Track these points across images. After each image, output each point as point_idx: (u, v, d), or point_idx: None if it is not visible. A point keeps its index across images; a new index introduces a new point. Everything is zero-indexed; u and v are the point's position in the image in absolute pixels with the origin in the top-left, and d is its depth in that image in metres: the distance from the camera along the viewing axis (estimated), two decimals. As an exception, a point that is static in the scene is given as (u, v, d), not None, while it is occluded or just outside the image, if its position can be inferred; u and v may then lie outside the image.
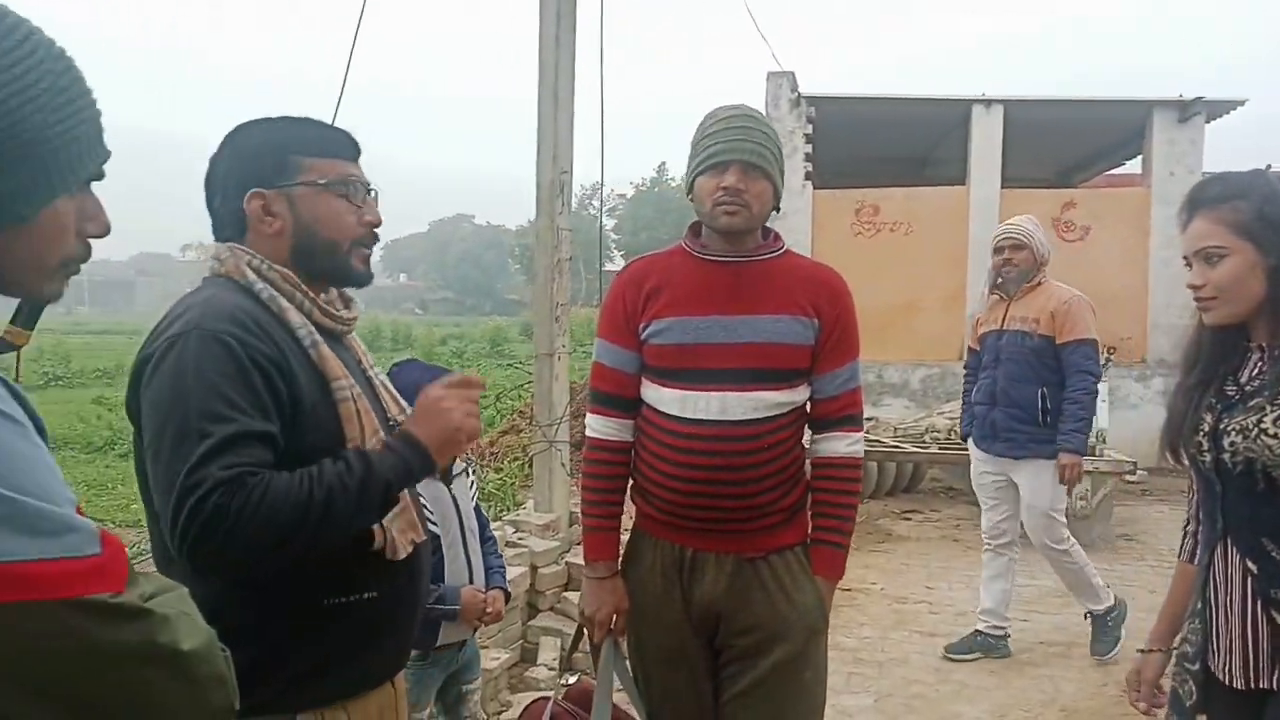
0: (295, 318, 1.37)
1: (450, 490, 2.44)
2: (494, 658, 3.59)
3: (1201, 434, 1.69)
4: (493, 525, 4.36)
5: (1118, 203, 9.14)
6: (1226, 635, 1.67)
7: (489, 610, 2.40)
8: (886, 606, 4.86)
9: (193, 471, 1.18)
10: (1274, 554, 1.59)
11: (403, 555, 1.41)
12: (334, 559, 1.34)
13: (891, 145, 11.14)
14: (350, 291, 1.58)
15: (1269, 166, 8.57)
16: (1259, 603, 1.61)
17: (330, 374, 1.36)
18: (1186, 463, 1.75)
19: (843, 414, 2.06)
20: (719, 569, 1.99)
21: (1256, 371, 1.66)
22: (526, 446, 6.09)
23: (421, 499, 2.07)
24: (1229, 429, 1.63)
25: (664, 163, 52.88)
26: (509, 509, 5.16)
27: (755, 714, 1.98)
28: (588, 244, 19.88)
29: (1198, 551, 1.80)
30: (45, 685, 0.72)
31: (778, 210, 2.04)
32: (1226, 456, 1.62)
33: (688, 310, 1.98)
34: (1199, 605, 1.74)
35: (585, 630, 2.11)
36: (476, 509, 2.61)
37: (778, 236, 2.09)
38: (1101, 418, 6.63)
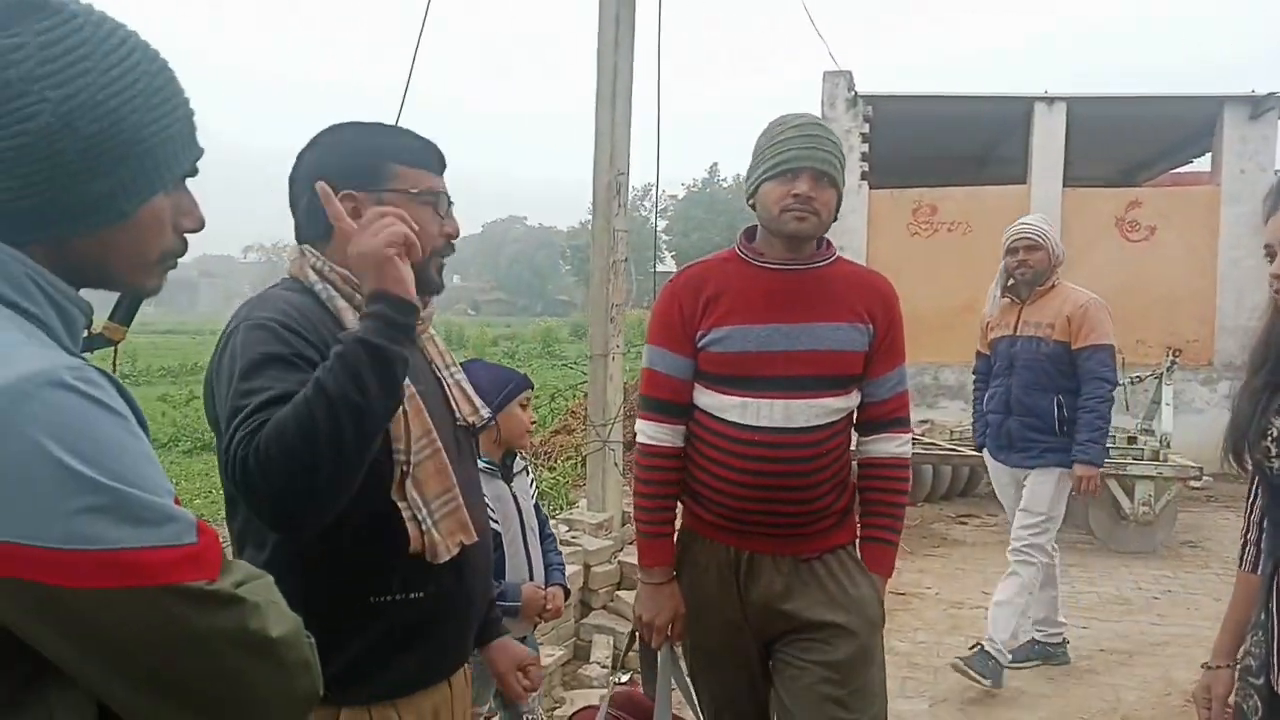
0: (350, 317, 1.37)
1: (511, 488, 2.48)
2: (549, 654, 3.62)
3: (1270, 439, 1.60)
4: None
5: (1186, 202, 8.90)
6: None
7: (548, 607, 2.42)
8: (941, 611, 4.80)
9: (231, 438, 1.18)
10: None
11: (445, 558, 1.39)
12: (378, 558, 1.35)
13: (950, 144, 10.99)
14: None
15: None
16: None
17: None
18: (1250, 468, 1.68)
19: (893, 416, 2.11)
20: (776, 569, 2.02)
21: None
22: (579, 446, 6.13)
23: (485, 497, 2.12)
24: None
25: (715, 163, 52.93)
26: (562, 508, 5.21)
27: (821, 699, 1.97)
28: (640, 245, 19.93)
29: (1260, 560, 1.74)
30: (147, 669, 0.75)
31: (836, 218, 2.06)
32: None
33: (749, 319, 1.99)
34: (1262, 617, 1.67)
35: (640, 635, 2.12)
36: (536, 507, 2.64)
37: (830, 244, 2.12)
38: (1166, 422, 6.48)
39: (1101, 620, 4.64)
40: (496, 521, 2.35)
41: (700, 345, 2.03)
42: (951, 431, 7.56)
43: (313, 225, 1.45)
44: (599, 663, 3.87)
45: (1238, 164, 8.52)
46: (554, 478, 6.23)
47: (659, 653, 2.10)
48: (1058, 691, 3.81)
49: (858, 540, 2.12)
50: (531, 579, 2.46)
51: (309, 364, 1.24)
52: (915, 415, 8.49)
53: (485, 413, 1.62)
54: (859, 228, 9.34)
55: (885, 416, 2.10)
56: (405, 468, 1.36)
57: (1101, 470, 3.80)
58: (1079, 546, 6.08)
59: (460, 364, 2.54)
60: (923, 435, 7.44)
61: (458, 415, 1.54)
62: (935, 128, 10.27)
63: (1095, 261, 8.70)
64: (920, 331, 9.44)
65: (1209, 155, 9.39)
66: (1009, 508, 4.05)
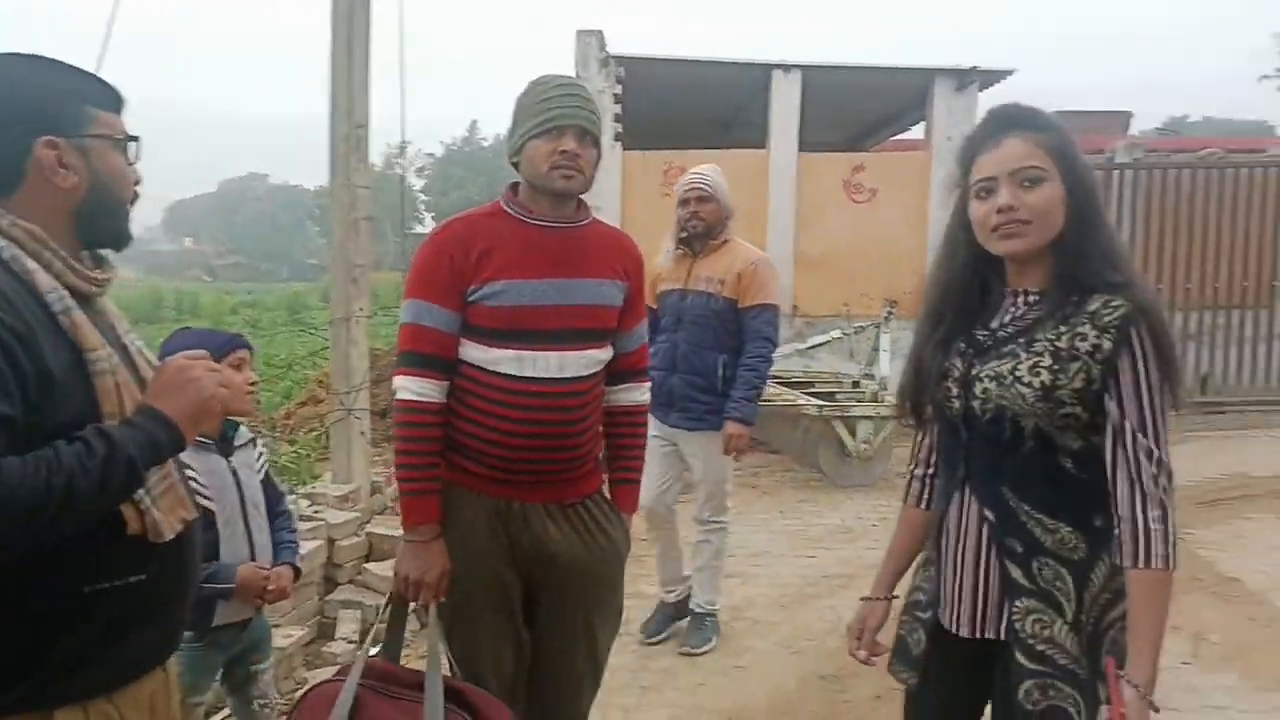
0: (44, 280, 1.25)
1: (230, 462, 2.31)
2: (287, 635, 3.45)
3: (951, 379, 1.62)
4: (287, 499, 4.17)
5: (902, 166, 9.73)
6: (955, 584, 1.65)
7: (270, 588, 2.28)
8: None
9: None
10: (1011, 503, 1.57)
11: (169, 535, 1.32)
12: (93, 542, 1.24)
13: (699, 108, 11.36)
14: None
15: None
16: (993, 551, 1.59)
17: (86, 343, 1.25)
18: (929, 413, 1.70)
19: (639, 366, 2.32)
20: (547, 516, 2.12)
21: (1011, 318, 1.60)
22: (324, 417, 5.84)
23: (192, 472, 1.95)
24: (981, 375, 1.57)
25: (475, 121, 51.80)
26: (305, 482, 4.94)
27: (580, 636, 2.20)
28: (395, 205, 19.16)
29: (928, 498, 1.79)
30: None
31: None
32: (977, 404, 1.57)
33: (524, 273, 2.04)
34: (931, 553, 1.72)
35: (404, 595, 2.08)
36: (267, 482, 2.48)
37: (585, 204, 2.18)
38: (884, 366, 7.14)
39: (827, 549, 5.07)
40: (209, 499, 2.19)
41: (472, 299, 2.03)
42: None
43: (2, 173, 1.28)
44: (345, 638, 3.73)
45: (945, 132, 9.40)
46: (296, 451, 5.90)
47: (430, 611, 2.06)
48: (786, 618, 4.12)
49: (606, 483, 2.29)
50: (254, 559, 2.30)
51: (9, 360, 1.15)
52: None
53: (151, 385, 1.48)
54: (614, 187, 9.47)
55: (633, 366, 2.29)
56: None
57: (752, 429, 3.62)
58: (810, 484, 6.59)
59: (174, 333, 2.34)
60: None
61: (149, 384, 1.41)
62: (685, 91, 10.57)
63: (826, 222, 9.36)
64: (672, 289, 9.79)
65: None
66: (658, 472, 3.69)
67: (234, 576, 2.22)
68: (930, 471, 1.81)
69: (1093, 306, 1.49)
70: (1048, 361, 1.50)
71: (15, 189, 1.28)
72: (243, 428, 2.46)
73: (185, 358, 1.33)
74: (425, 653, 2.19)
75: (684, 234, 3.71)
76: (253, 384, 2.34)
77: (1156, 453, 1.46)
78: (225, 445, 2.34)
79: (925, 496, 1.82)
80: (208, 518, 2.14)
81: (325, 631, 3.88)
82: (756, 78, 9.67)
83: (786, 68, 9.43)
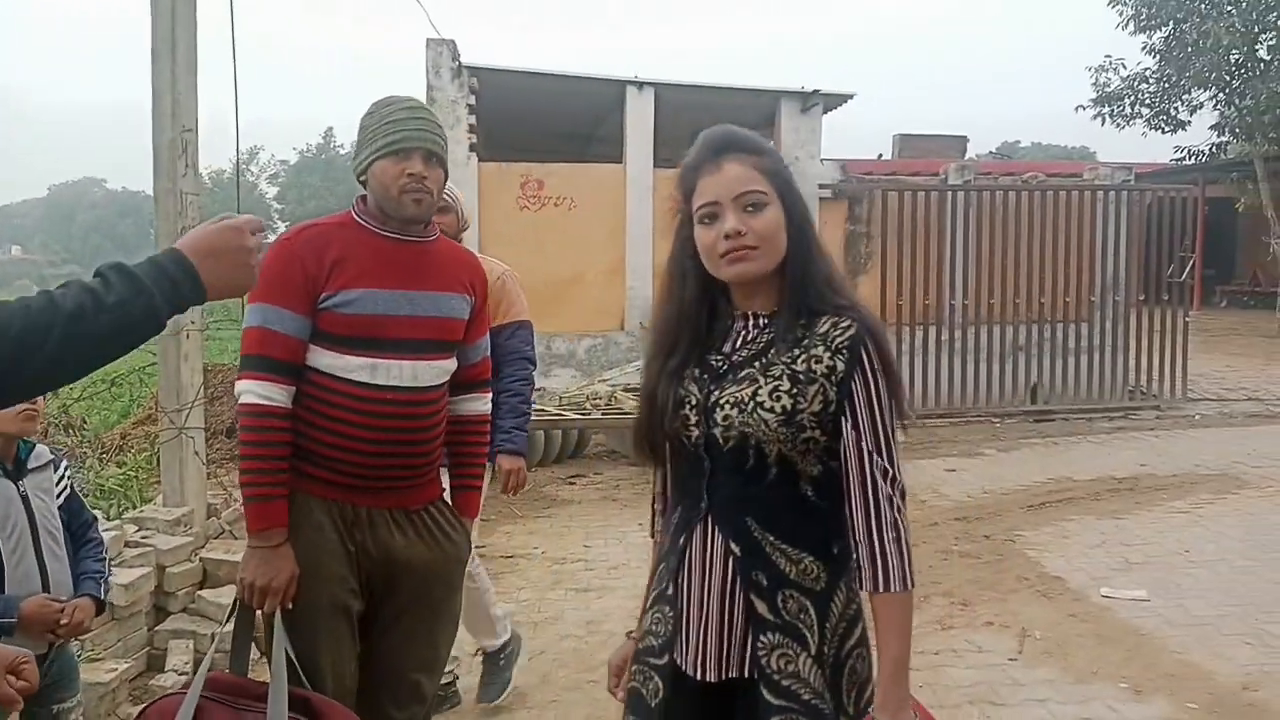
0: None
1: (20, 486, 2.14)
2: (111, 669, 3.23)
3: (689, 407, 1.55)
4: (108, 525, 3.90)
5: (754, 183, 10.04)
6: (700, 623, 1.54)
7: (63, 622, 2.13)
8: (546, 569, 5.02)
9: None
10: (756, 534, 1.51)
11: None
12: None
13: (558, 121, 11.39)
14: None
15: (879, 155, 9.82)
16: (738, 585, 1.51)
17: None
18: (665, 450, 1.62)
19: (483, 377, 2.39)
20: (392, 522, 2.14)
21: (742, 341, 1.57)
22: (156, 436, 5.51)
23: None
24: (721, 401, 1.51)
25: (331, 128, 50.11)
26: (135, 505, 4.65)
27: (418, 640, 2.22)
28: (245, 212, 18.32)
29: (667, 534, 1.69)
30: None
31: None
32: (719, 431, 1.51)
33: (377, 283, 2.07)
34: (669, 591, 1.60)
35: (249, 602, 2.03)
36: (71, 507, 2.32)
37: (433, 222, 2.25)
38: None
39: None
40: None
41: (324, 306, 2.05)
42: (560, 398, 7.90)
43: None
44: (175, 669, 3.52)
45: (792, 152, 9.76)
46: (125, 473, 5.54)
47: (275, 618, 2.00)
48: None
49: (447, 491, 2.34)
50: (48, 590, 2.15)
51: None
52: (528, 383, 8.78)
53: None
54: (469, 200, 9.35)
55: (478, 377, 2.36)
56: None
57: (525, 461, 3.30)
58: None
59: None
60: (534, 402, 7.68)
61: None
62: (542, 104, 10.58)
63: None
64: (533, 303, 9.70)
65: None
66: None
67: (15, 609, 2.06)
68: (664, 506, 1.75)
69: (822, 328, 1.49)
70: (786, 385, 1.47)
71: None
72: (41, 448, 2.29)
73: (240, 227, 1.24)
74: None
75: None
76: (32, 405, 2.15)
77: (891, 472, 1.47)
78: (17, 468, 2.18)
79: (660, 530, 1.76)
80: None
81: (155, 663, 3.64)
82: (612, 93, 9.79)
83: (640, 84, 9.58)
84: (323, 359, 2.06)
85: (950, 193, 9.87)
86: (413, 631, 2.21)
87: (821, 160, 9.87)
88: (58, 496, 2.27)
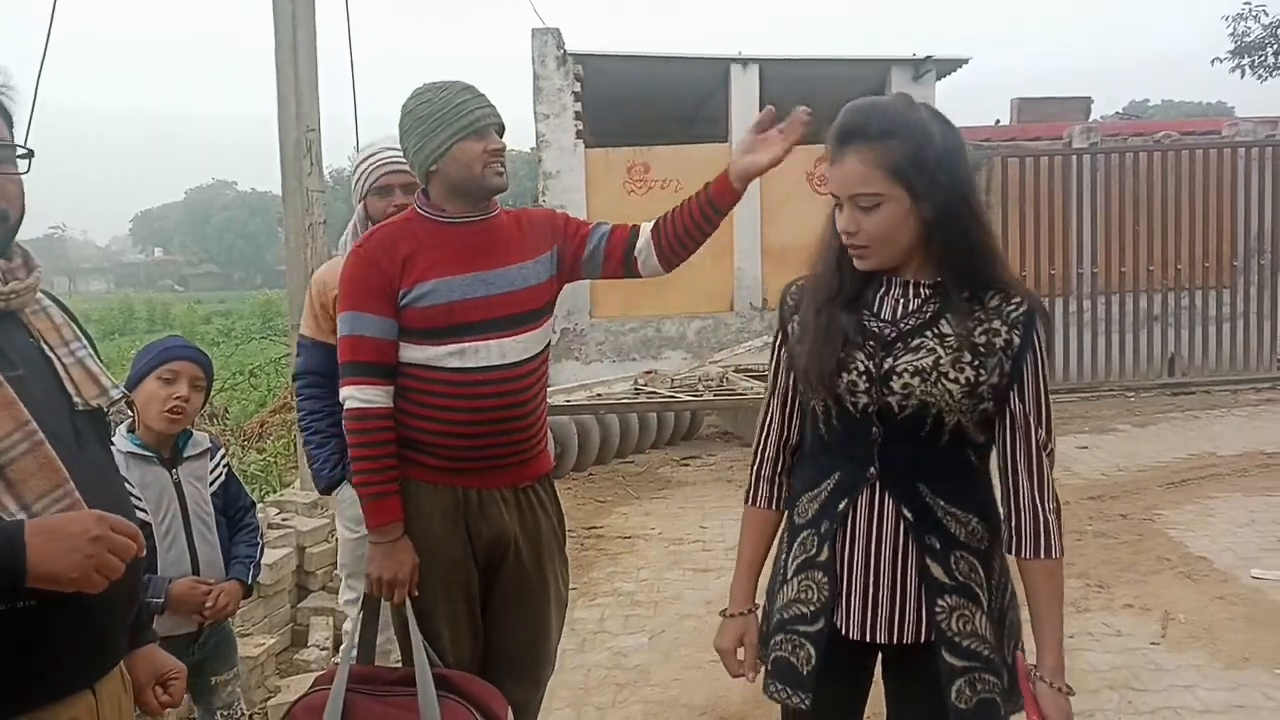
0: None
1: (174, 473, 2.27)
2: (259, 643, 3.42)
3: (855, 373, 1.53)
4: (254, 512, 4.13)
5: (864, 157, 9.80)
6: (869, 589, 1.56)
7: (209, 604, 2.23)
8: (664, 549, 5.05)
9: None
10: (928, 499, 1.53)
11: (15, 511, 1.22)
12: None
13: (662, 104, 11.38)
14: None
15: (997, 121, 9.42)
16: (912, 550, 1.54)
17: None
18: (829, 402, 1.58)
19: (626, 232, 2.29)
20: (504, 502, 2.19)
21: (904, 309, 1.55)
22: (293, 424, 5.79)
23: (129, 484, 1.91)
24: (899, 369, 1.50)
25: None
26: (275, 490, 4.90)
27: (531, 619, 2.26)
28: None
29: (778, 500, 1.71)
30: None
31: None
32: (895, 400, 1.51)
33: (448, 271, 2.11)
34: (822, 557, 1.59)
35: (378, 596, 2.12)
36: (229, 493, 2.43)
37: (492, 200, 2.26)
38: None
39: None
40: (145, 511, 2.15)
41: (404, 304, 2.09)
42: (672, 380, 7.92)
43: None
44: (317, 645, 3.70)
45: (905, 122, 9.49)
46: (265, 460, 5.85)
47: (406, 608, 2.10)
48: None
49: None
50: (198, 573, 2.26)
51: None
52: (640, 366, 8.84)
53: (115, 393, 1.43)
54: (578, 186, 9.47)
55: (627, 227, 2.29)
56: None
57: None
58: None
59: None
60: (646, 385, 7.74)
61: (76, 399, 1.36)
62: (646, 87, 10.59)
63: (791, 214, 9.40)
64: (642, 287, 9.76)
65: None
66: (358, 585, 2.75)
67: (162, 590, 2.17)
68: (779, 471, 1.72)
69: (993, 303, 1.51)
70: (968, 357, 1.49)
71: None
72: (200, 436, 2.40)
73: (104, 518, 1.21)
74: (399, 652, 2.24)
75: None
76: (179, 398, 2.24)
77: (1050, 445, 1.52)
78: (173, 457, 2.29)
79: (776, 498, 1.72)
80: (144, 530, 2.11)
81: (298, 639, 3.85)
82: (715, 72, 9.71)
83: (744, 61, 9.47)
84: (414, 353, 2.11)
85: (1075, 156, 9.41)
86: (525, 610, 2.25)
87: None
88: (212, 483, 2.38)
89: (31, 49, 3.77)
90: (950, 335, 1.50)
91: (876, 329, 1.56)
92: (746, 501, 1.75)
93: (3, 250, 1.31)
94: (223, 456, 2.49)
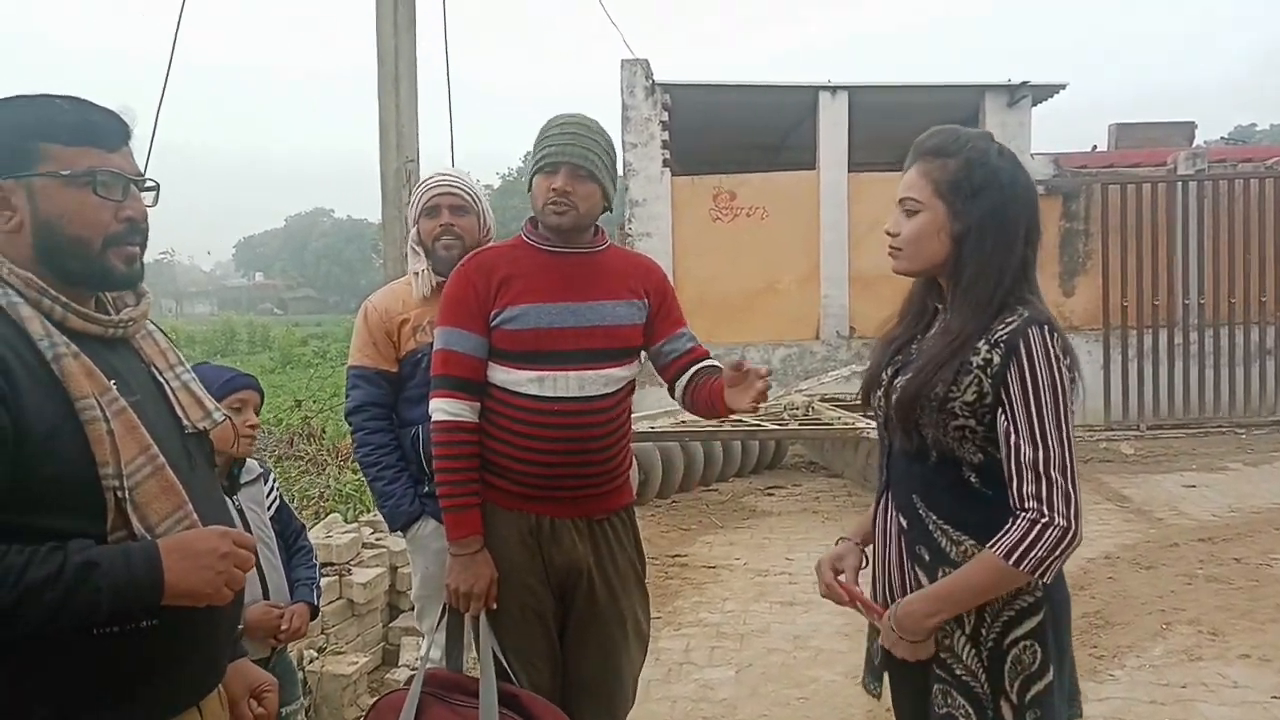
0: (36, 328, 1.23)
1: (235, 500, 2.25)
2: (351, 662, 3.48)
3: (881, 389, 1.68)
4: (346, 528, 4.23)
5: (956, 184, 9.61)
6: (884, 588, 1.69)
7: (283, 628, 2.25)
8: (749, 580, 4.98)
9: None
10: (920, 511, 1.60)
11: (157, 526, 1.27)
12: None
13: (748, 132, 11.37)
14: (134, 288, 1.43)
15: (1094, 148, 9.12)
16: (904, 558, 1.63)
17: (76, 391, 1.22)
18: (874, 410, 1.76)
19: (700, 354, 2.35)
20: (577, 532, 2.19)
21: (933, 332, 1.65)
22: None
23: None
24: (897, 384, 1.62)
25: (528, 152, 52.32)
26: (367, 510, 5.01)
27: (607, 654, 2.25)
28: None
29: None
30: None
31: (609, 210, 2.24)
32: (894, 413, 1.62)
33: (540, 298, 2.13)
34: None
35: (456, 606, 2.16)
36: (282, 517, 2.46)
37: (602, 232, 2.29)
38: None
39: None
40: None
41: (495, 324, 2.13)
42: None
43: None
44: (408, 665, 3.75)
45: (999, 148, 9.28)
46: (359, 479, 5.99)
47: (479, 621, 2.13)
48: (853, 648, 4.04)
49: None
50: (267, 598, 2.28)
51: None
52: (724, 394, 8.78)
53: (219, 415, 1.49)
54: (663, 214, 9.52)
55: (695, 356, 2.34)
56: (120, 493, 1.23)
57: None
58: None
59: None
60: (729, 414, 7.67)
61: (185, 423, 1.41)
62: (732, 116, 10.61)
63: (878, 242, 9.23)
64: (724, 313, 9.79)
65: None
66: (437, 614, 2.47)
67: (240, 618, 2.21)
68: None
69: (993, 324, 1.53)
70: (944, 374, 1.53)
71: None
72: (251, 462, 2.40)
73: (228, 539, 1.29)
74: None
75: (434, 257, 2.64)
76: (252, 426, 2.28)
77: (1042, 469, 1.46)
78: (231, 484, 2.28)
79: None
80: None
81: (389, 658, 3.91)
82: (803, 100, 9.67)
83: (833, 89, 9.41)
84: (499, 374, 2.14)
85: (1180, 184, 9.04)
86: (599, 643, 2.23)
87: (1032, 155, 9.32)
88: (268, 508, 2.40)
89: (149, 86, 3.99)
90: (931, 351, 1.58)
91: (912, 350, 1.67)
92: None
93: (141, 268, 1.38)
94: (274, 481, 2.51)
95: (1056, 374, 1.48)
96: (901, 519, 1.63)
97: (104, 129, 1.33)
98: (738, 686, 3.67)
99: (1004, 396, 1.49)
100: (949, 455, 1.56)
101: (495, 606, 2.14)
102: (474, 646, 2.20)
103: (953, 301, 1.59)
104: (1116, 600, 4.42)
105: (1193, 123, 17.15)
